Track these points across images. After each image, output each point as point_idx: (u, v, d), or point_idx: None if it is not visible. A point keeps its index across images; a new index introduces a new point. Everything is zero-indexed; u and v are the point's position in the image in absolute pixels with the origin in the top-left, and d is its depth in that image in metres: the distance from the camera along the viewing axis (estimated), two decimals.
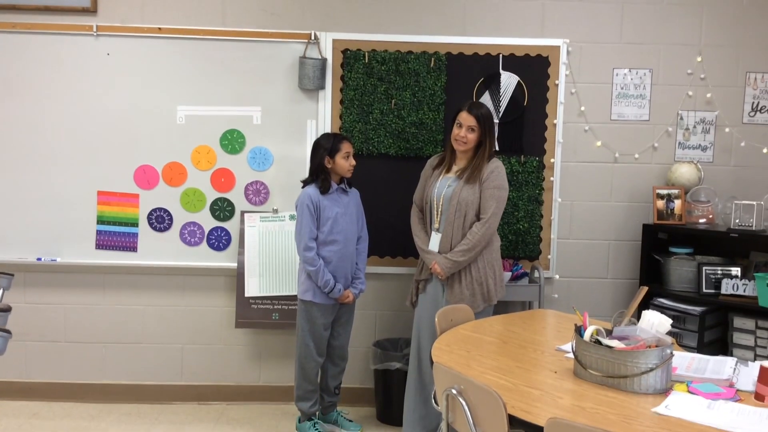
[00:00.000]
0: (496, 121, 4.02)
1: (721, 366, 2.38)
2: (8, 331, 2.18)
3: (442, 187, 3.51)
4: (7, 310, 2.49)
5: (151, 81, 4.03)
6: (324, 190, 3.58)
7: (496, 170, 3.44)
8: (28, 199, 4.06)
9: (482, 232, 3.38)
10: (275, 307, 4.08)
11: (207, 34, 4.02)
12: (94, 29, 3.99)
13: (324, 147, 3.59)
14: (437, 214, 3.51)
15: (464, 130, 3.45)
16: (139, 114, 4.04)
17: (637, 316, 2.52)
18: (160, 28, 4.01)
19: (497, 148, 4.01)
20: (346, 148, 3.60)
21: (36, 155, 4.05)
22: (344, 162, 3.60)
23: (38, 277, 4.15)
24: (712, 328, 3.79)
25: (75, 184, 4.06)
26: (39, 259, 4.08)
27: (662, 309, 3.70)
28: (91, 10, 4.01)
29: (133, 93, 4.03)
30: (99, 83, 4.02)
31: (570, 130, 4.11)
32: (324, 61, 4.01)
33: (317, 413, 3.81)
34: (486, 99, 4.04)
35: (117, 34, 4.01)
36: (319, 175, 3.60)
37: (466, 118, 3.45)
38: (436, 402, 2.45)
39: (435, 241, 3.52)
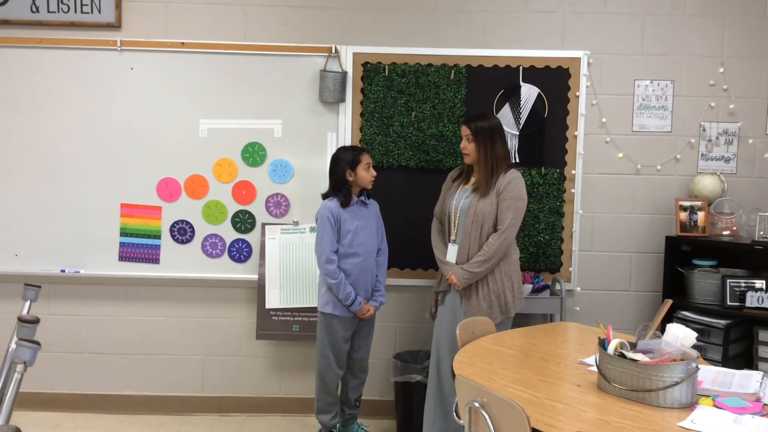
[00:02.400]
0: (515, 132, 4.03)
1: (747, 380, 2.34)
2: (37, 343, 2.20)
3: (459, 198, 3.51)
4: (36, 321, 2.52)
5: (174, 95, 4.08)
6: (346, 203, 3.59)
7: (513, 181, 3.43)
8: (52, 211, 4.11)
9: (499, 243, 3.37)
10: (296, 319, 4.09)
11: (229, 48, 4.06)
12: (119, 44, 4.05)
13: (344, 160, 3.60)
14: (454, 226, 3.50)
15: (464, 141, 3.47)
16: (162, 127, 4.09)
17: (662, 329, 2.50)
18: (183, 43, 4.06)
19: (517, 160, 4.01)
20: (366, 159, 3.62)
21: (60, 168, 4.11)
22: (366, 173, 3.61)
23: (62, 289, 4.20)
24: (736, 342, 3.74)
25: (98, 196, 4.11)
26: (63, 270, 4.13)
27: (686, 322, 3.66)
28: (116, 26, 4.07)
29: (156, 106, 4.09)
30: (123, 97, 4.08)
31: (591, 142, 4.09)
32: (344, 74, 4.03)
33: (337, 426, 3.80)
34: (506, 111, 4.04)
35: (141, 48, 4.06)
36: (341, 188, 3.61)
37: (463, 129, 3.49)
38: (457, 415, 2.44)
39: (452, 253, 3.52)
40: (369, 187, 3.67)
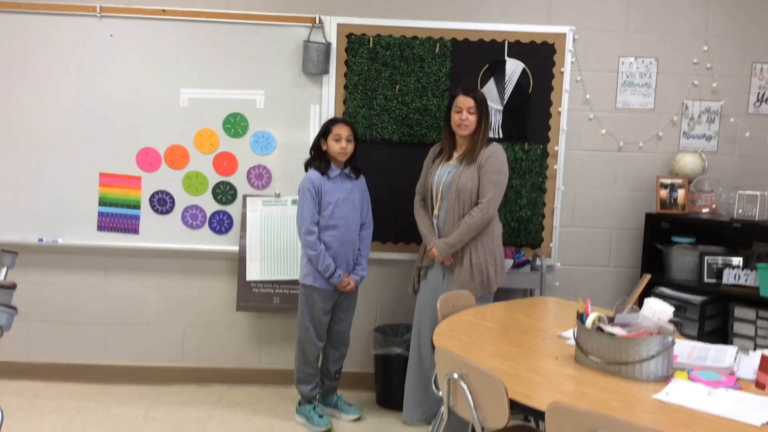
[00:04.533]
0: (499, 107, 4.02)
1: (722, 354, 2.38)
2: (14, 307, 2.18)
3: (442, 174, 3.51)
4: (12, 287, 2.49)
5: (155, 63, 4.02)
6: (322, 171, 3.58)
7: (494, 154, 3.43)
8: (30, 180, 4.06)
9: (480, 216, 3.38)
10: (276, 291, 4.08)
11: (211, 16, 4.00)
12: (98, 10, 3.97)
13: (321, 128, 3.64)
14: (437, 201, 3.51)
15: (465, 113, 3.44)
16: (142, 96, 4.03)
17: (639, 304, 2.52)
18: (164, 10, 3.99)
19: (501, 135, 4.01)
20: (337, 130, 3.58)
21: (38, 137, 4.04)
22: (334, 144, 3.58)
23: (40, 258, 4.16)
24: (712, 318, 3.79)
25: (77, 165, 4.05)
26: (41, 239, 4.08)
27: (663, 298, 3.65)
28: None
29: (136, 75, 4.02)
30: (102, 65, 4.01)
31: (574, 118, 4.09)
32: (328, 45, 3.99)
33: (317, 397, 3.82)
34: (491, 86, 4.02)
35: (120, 15, 3.99)
36: (317, 157, 3.63)
37: (464, 101, 3.45)
38: (436, 387, 2.46)
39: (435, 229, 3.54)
40: (339, 159, 3.62)
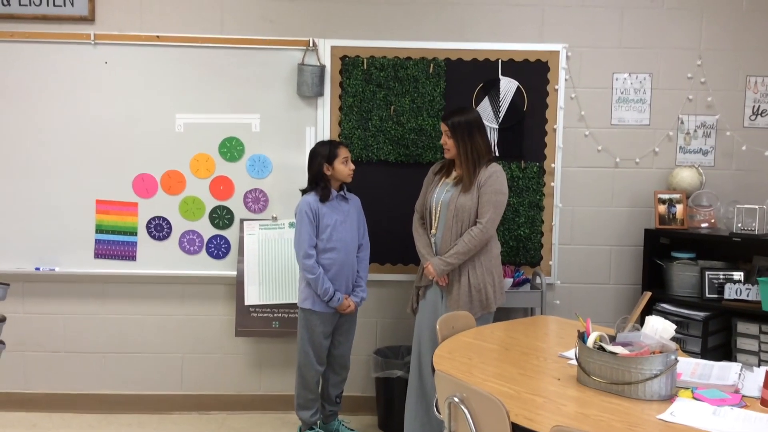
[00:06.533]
0: (494, 126, 4.01)
1: (726, 372, 2.35)
2: (1, 342, 2.15)
3: (440, 192, 3.50)
4: (2, 320, 2.46)
5: (150, 89, 4.02)
6: (324, 198, 3.56)
7: (494, 175, 3.42)
8: (26, 208, 4.04)
9: (479, 237, 3.35)
10: (275, 315, 4.05)
11: (205, 41, 4.01)
12: (92, 38, 3.98)
13: (321, 154, 3.57)
14: (435, 220, 3.49)
15: (443, 137, 3.48)
16: (138, 122, 4.03)
17: (641, 321, 2.50)
18: (158, 36, 4.00)
19: (497, 154, 4.00)
20: (344, 153, 3.58)
21: (34, 164, 4.03)
22: (343, 167, 3.57)
23: (37, 287, 4.13)
24: (715, 334, 3.76)
25: (73, 193, 4.04)
26: (38, 268, 4.06)
27: (665, 314, 3.67)
28: (89, 19, 4.00)
29: (132, 101, 4.02)
30: (97, 92, 4.01)
31: (570, 135, 4.09)
32: (322, 68, 3.99)
33: (318, 422, 3.77)
34: (485, 105, 4.02)
35: (115, 42, 4.00)
36: (318, 183, 3.58)
37: (442, 125, 3.50)
38: (437, 410, 2.43)
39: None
40: (348, 181, 3.63)
